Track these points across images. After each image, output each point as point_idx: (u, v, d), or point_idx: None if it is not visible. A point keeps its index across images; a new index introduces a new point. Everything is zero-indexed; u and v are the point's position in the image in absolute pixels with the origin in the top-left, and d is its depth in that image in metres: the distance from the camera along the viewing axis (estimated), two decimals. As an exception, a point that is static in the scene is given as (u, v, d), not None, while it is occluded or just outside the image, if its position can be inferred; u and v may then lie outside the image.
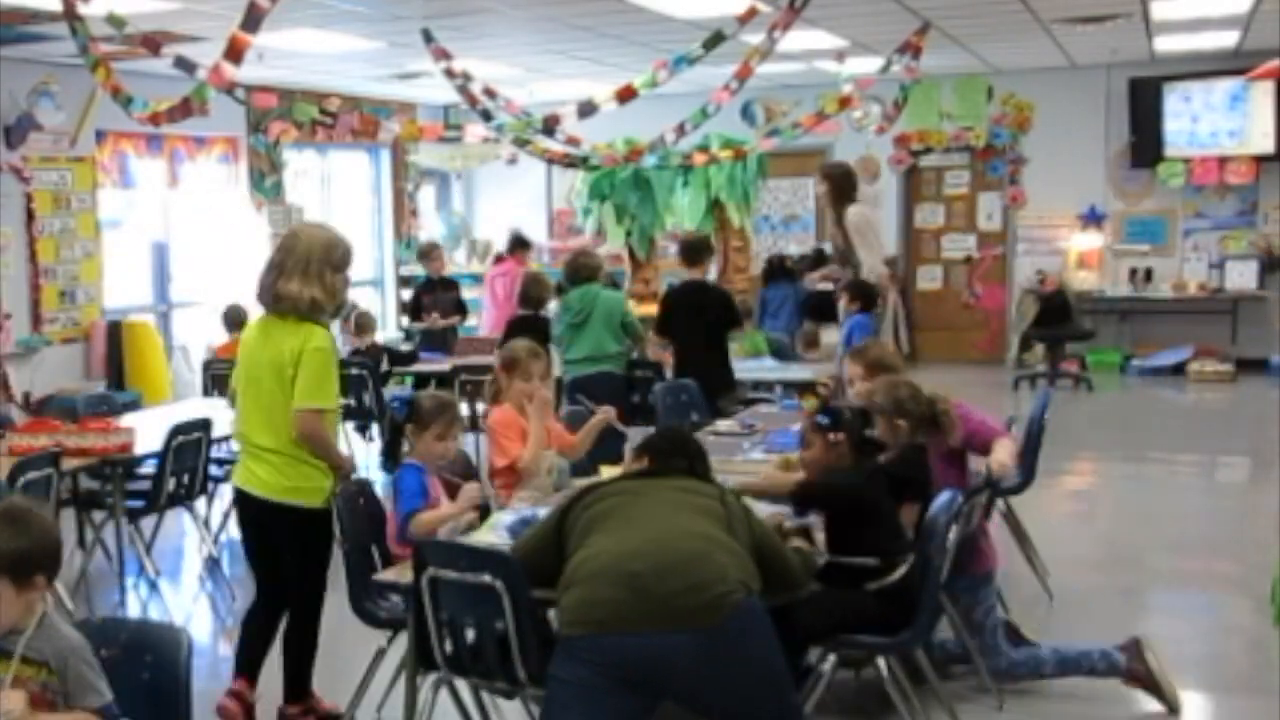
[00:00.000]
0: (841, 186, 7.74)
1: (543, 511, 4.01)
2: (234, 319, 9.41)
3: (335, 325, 9.15)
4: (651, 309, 9.28)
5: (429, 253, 10.70)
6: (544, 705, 3.18)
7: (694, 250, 7.35)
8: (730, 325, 7.17)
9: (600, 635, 3.03)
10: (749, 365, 7.96)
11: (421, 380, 8.92)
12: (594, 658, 3.02)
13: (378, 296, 13.57)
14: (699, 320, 7.04)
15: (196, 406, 7.14)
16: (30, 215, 9.62)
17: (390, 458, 4.17)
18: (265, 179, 11.81)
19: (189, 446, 5.71)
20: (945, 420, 4.26)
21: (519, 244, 10.71)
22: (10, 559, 2.49)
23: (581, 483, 4.18)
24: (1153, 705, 4.56)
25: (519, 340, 4.93)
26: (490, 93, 8.58)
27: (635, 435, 5.88)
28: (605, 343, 7.26)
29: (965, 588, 4.31)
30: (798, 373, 7.74)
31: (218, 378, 8.38)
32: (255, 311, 4.33)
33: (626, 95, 7.56)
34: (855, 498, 3.82)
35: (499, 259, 11.07)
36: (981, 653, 4.34)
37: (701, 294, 7.17)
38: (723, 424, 5.82)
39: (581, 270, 7.48)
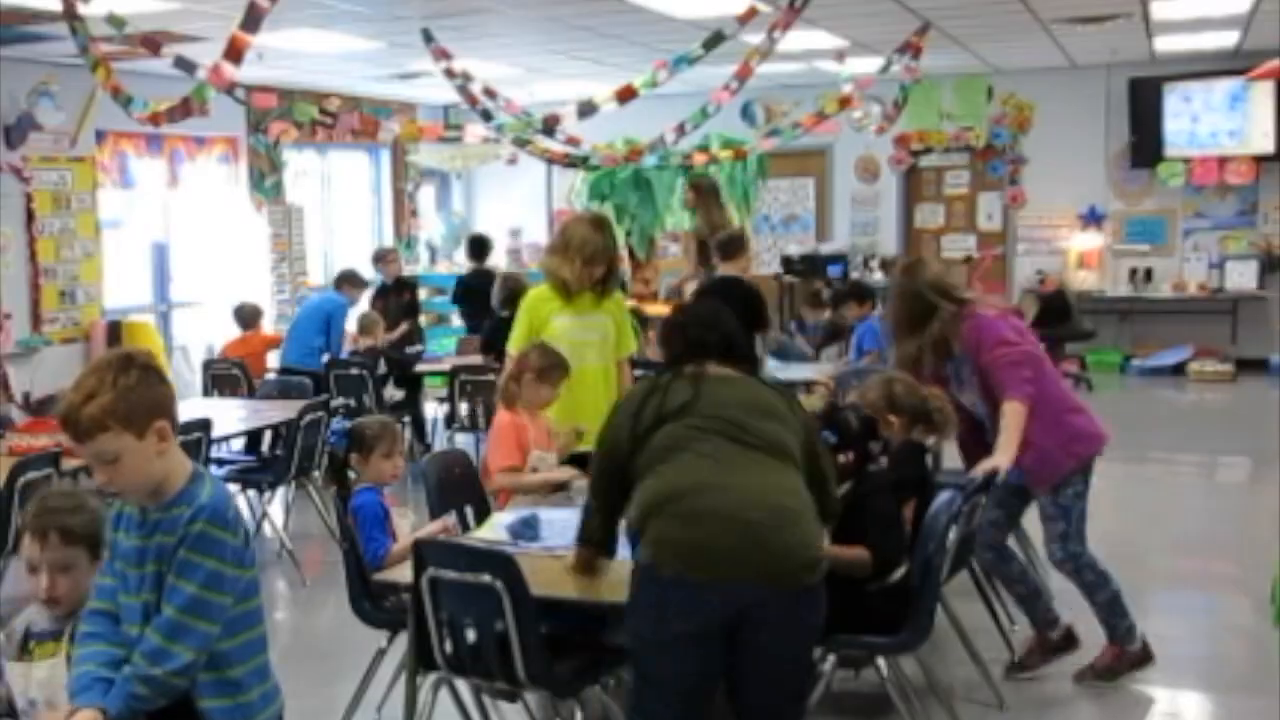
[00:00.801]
0: (710, 198, 8.22)
1: (543, 512, 4.02)
2: (245, 316, 9.40)
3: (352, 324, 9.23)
4: (653, 309, 9.28)
5: (384, 257, 10.40)
6: (638, 654, 3.06)
7: (729, 245, 7.32)
8: (755, 325, 7.09)
9: (716, 583, 2.93)
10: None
11: (412, 380, 8.97)
12: (704, 604, 2.94)
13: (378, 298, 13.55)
14: None
15: (196, 406, 7.14)
16: (30, 215, 9.62)
17: (338, 490, 4.18)
18: (265, 179, 11.81)
19: (188, 446, 5.70)
20: (939, 418, 4.23)
21: None
22: (92, 537, 2.67)
23: None
24: (1153, 705, 4.56)
25: (543, 346, 4.89)
26: (490, 93, 8.58)
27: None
28: None
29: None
30: (798, 373, 7.73)
31: (218, 378, 8.38)
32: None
33: (626, 95, 7.56)
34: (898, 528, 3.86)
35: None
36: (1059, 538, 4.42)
37: (733, 290, 7.09)
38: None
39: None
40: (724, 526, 2.96)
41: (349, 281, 9.45)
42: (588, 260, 4.97)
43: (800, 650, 3.10)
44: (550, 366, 4.65)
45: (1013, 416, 4.24)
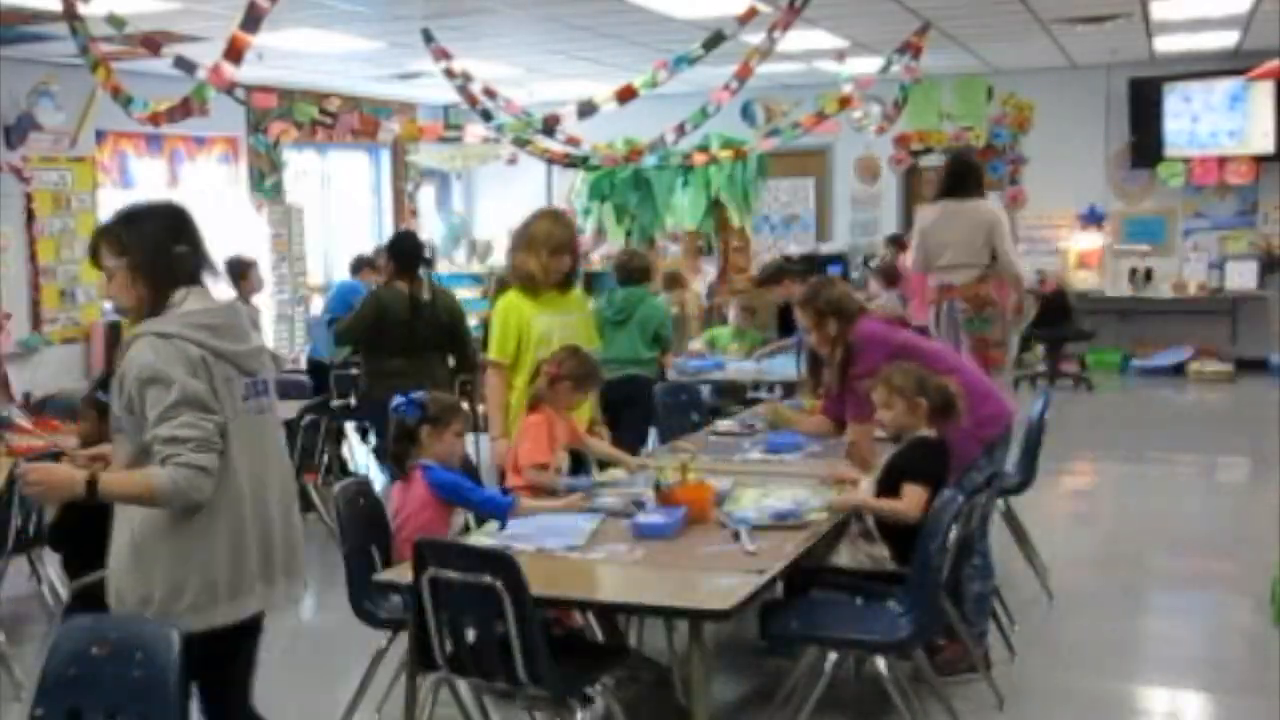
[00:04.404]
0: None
1: (546, 519, 4.01)
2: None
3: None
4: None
5: (243, 273, 8.01)
6: None
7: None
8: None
9: None
10: (747, 366, 7.92)
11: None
12: None
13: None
14: None
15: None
16: (30, 215, 9.63)
17: (400, 463, 4.08)
18: (265, 179, 11.81)
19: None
20: (962, 404, 4.21)
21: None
22: None
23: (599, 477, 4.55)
24: (1153, 706, 4.56)
25: (578, 353, 4.86)
26: (490, 93, 8.58)
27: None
28: (639, 348, 6.98)
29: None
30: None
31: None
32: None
33: (626, 95, 7.55)
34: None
35: None
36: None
37: None
38: (723, 424, 5.82)
39: (634, 271, 7.11)
40: None
41: (368, 265, 9.36)
42: (554, 252, 4.93)
43: None
44: (588, 375, 4.63)
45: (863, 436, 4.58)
